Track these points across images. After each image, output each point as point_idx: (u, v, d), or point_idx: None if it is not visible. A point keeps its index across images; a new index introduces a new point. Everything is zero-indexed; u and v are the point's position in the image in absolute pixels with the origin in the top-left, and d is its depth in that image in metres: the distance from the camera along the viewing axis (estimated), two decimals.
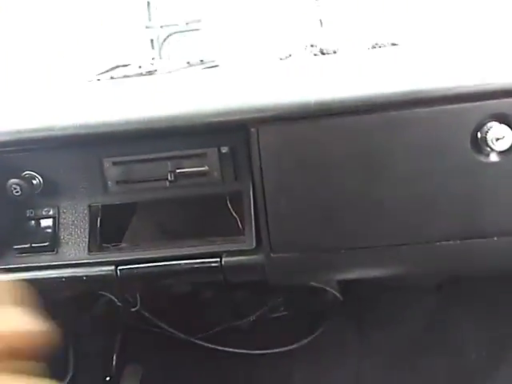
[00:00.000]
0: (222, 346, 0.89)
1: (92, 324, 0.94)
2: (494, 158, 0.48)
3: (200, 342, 0.90)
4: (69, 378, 1.00)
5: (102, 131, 0.56)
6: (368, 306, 0.98)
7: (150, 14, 2.38)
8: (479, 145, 0.48)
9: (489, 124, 0.47)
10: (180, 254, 0.56)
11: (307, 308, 0.93)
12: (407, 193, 0.50)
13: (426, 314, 0.99)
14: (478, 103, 0.47)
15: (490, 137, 0.46)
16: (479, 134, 0.47)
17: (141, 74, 0.73)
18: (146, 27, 2.36)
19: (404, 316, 0.99)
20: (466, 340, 0.93)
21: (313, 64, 0.58)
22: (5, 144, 0.56)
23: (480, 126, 0.47)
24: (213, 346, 0.89)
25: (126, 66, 0.81)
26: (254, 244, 0.54)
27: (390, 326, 0.96)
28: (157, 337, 0.94)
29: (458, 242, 0.51)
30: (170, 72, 0.72)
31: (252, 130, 0.49)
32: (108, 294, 0.75)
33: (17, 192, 0.56)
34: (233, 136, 0.56)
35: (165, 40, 2.35)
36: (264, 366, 0.90)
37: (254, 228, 0.55)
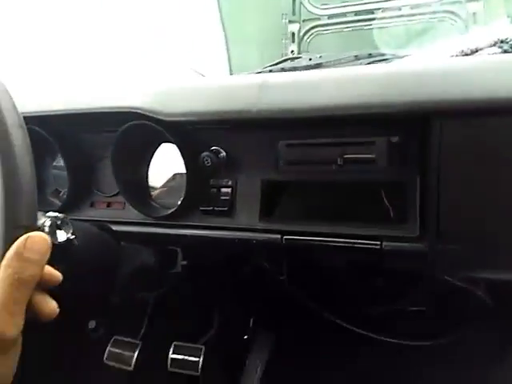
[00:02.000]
0: (355, 328, 0.92)
1: (238, 287, 1.06)
2: None
3: (335, 320, 0.94)
4: (209, 334, 1.15)
5: (281, 117, 0.62)
6: None
7: (294, 9, 2.44)
8: None
9: None
10: (342, 232, 0.60)
11: (449, 308, 0.90)
12: None
13: None
14: None
15: None
16: None
17: (309, 67, 0.78)
18: (290, 21, 2.43)
19: None
20: None
21: (501, 60, 0.55)
22: (201, 122, 0.67)
23: None
24: (347, 326, 0.93)
25: (296, 58, 0.87)
26: (418, 232, 0.56)
27: None
28: (294, 308, 1.01)
29: None
30: (337, 65, 0.75)
31: (435, 122, 0.49)
32: (262, 261, 0.84)
33: (207, 163, 0.67)
34: (404, 126, 0.57)
35: (305, 33, 2.39)
36: (396, 356, 0.90)
37: (419, 217, 0.56)
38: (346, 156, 0.60)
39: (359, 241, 0.59)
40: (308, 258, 0.72)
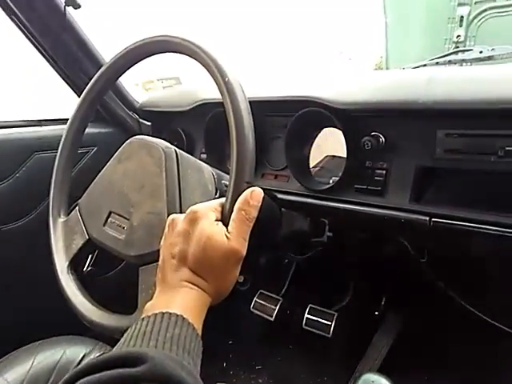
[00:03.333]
0: (491, 319, 0.91)
1: (377, 265, 1.14)
2: None
3: (472, 310, 0.95)
4: (343, 304, 1.25)
5: (446, 108, 0.68)
6: None
7: None
8: None
9: None
10: (492, 220, 0.64)
11: None
12: None
13: None
14: None
15: None
16: None
17: (479, 60, 0.80)
18: (459, 4, 2.27)
19: None
20: None
21: None
22: (369, 110, 0.77)
23: None
24: (483, 318, 0.93)
25: (467, 51, 0.89)
26: None
27: None
28: (428, 293, 1.05)
29: None
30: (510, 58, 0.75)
31: None
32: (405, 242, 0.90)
33: (367, 146, 0.77)
34: None
35: (475, 17, 2.20)
36: None
37: None
38: (507, 148, 0.63)
39: (509, 230, 0.62)
40: (452, 243, 0.77)
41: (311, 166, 0.95)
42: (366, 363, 1.16)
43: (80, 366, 0.30)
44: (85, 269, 0.82)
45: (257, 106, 0.95)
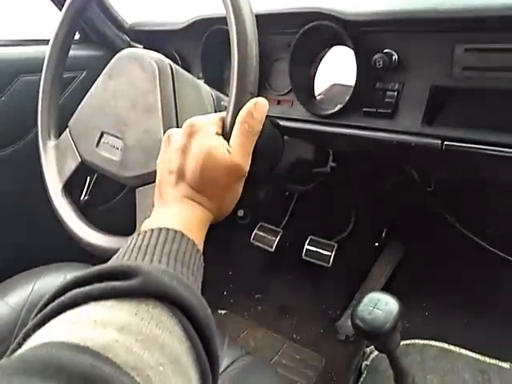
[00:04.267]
0: (492, 247, 0.92)
1: (380, 196, 1.13)
2: None
3: (473, 238, 0.95)
4: (343, 235, 1.25)
5: (460, 16, 0.61)
6: None
7: None
8: None
9: None
10: (507, 142, 0.60)
11: None
12: None
13: None
14: None
15: None
16: None
17: None
18: None
19: None
20: None
21: None
22: (373, 23, 0.70)
23: None
24: (485, 246, 0.93)
25: None
26: None
27: None
28: (432, 223, 1.04)
29: None
30: None
31: None
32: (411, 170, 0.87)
33: (379, 65, 0.70)
34: None
35: None
36: None
37: None
38: None
39: None
40: (465, 169, 0.74)
41: (317, 94, 0.89)
42: (366, 289, 1.19)
43: (67, 279, 0.28)
44: (82, 198, 0.79)
45: (258, 22, 0.88)
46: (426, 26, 0.66)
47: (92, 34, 1.04)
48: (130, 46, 1.09)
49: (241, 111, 0.45)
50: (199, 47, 0.94)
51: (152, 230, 0.36)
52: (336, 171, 1.06)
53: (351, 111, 0.77)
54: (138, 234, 0.36)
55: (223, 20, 0.50)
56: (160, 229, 0.36)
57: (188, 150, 0.43)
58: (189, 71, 1.04)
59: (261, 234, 1.33)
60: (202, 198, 0.43)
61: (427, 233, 1.11)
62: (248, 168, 0.45)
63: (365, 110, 0.75)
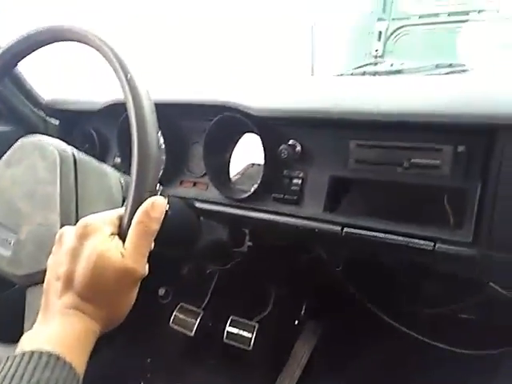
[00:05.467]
0: (402, 327, 0.96)
1: (296, 274, 1.14)
2: None
3: (383, 317, 0.98)
4: (264, 314, 1.24)
5: (353, 118, 0.70)
6: None
7: (384, 5, 2.39)
8: None
9: None
10: (399, 230, 0.66)
11: (499, 319, 0.90)
12: None
13: None
14: None
15: None
16: None
17: (390, 72, 0.84)
18: (378, 19, 2.40)
19: None
20: None
21: None
22: (282, 118, 0.77)
23: None
24: (395, 325, 0.97)
25: (378, 64, 0.93)
26: (471, 239, 0.60)
27: None
28: (345, 301, 1.07)
29: None
30: (417, 73, 0.80)
31: (499, 135, 0.54)
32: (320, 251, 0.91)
33: (284, 155, 0.76)
34: (471, 137, 0.61)
35: (393, 33, 2.35)
36: (441, 361, 0.93)
37: (474, 224, 0.59)
38: (412, 160, 0.66)
39: (414, 240, 0.64)
40: (364, 252, 0.79)
41: (234, 174, 0.92)
42: (287, 374, 1.16)
43: None
44: None
45: (173, 109, 0.92)
46: (322, 123, 0.74)
47: (4, 108, 1.01)
48: (46, 122, 1.07)
49: (137, 211, 0.44)
50: (116, 129, 0.95)
51: (23, 354, 0.33)
52: (253, 250, 1.07)
53: (261, 196, 0.80)
54: (7, 359, 0.33)
55: None
56: (32, 353, 0.33)
57: (79, 254, 0.41)
58: (107, 150, 1.05)
59: (180, 316, 1.26)
60: (90, 307, 0.40)
61: (343, 310, 1.14)
62: (145, 270, 0.44)
63: (274, 195, 0.79)
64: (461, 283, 0.79)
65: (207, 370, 1.25)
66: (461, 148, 0.62)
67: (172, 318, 1.26)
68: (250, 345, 1.15)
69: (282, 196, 0.77)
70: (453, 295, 0.93)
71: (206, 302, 1.27)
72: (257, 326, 1.18)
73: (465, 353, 0.91)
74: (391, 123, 0.66)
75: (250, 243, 1.04)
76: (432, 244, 0.63)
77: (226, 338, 1.19)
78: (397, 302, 1.03)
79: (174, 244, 0.87)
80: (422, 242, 0.64)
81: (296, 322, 1.22)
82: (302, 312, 1.20)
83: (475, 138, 0.60)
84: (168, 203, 0.70)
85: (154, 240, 0.46)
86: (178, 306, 1.28)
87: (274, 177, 0.79)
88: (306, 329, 1.22)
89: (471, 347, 0.90)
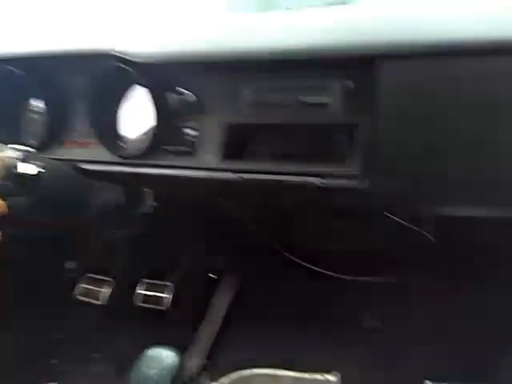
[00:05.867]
0: (314, 266, 1.01)
1: (206, 228, 1.13)
2: None
3: (290, 257, 1.03)
4: (178, 273, 1.22)
5: (239, 59, 0.66)
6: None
7: None
8: None
9: None
10: (288, 170, 0.66)
11: (395, 247, 0.98)
12: None
13: None
14: None
15: None
16: None
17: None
18: None
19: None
20: None
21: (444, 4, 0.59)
22: (171, 63, 0.70)
23: None
24: (309, 266, 1.02)
25: None
26: (358, 170, 0.61)
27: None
28: (257, 248, 1.09)
29: None
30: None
31: (377, 64, 0.55)
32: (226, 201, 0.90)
33: (174, 103, 0.71)
34: (358, 71, 0.61)
35: None
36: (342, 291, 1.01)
37: (362, 157, 0.61)
38: (303, 99, 0.65)
39: (302, 178, 0.64)
40: (266, 197, 0.79)
41: (141, 134, 0.84)
42: (206, 328, 1.17)
43: None
44: None
45: (49, 62, 0.80)
46: (211, 67, 0.70)
47: None
48: None
49: None
50: None
51: None
52: (160, 211, 1.03)
53: (154, 151, 0.75)
54: None
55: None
56: None
57: None
58: None
59: (89, 287, 1.19)
60: None
61: (255, 258, 1.16)
62: None
63: (167, 148, 0.74)
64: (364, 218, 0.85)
65: (125, 337, 1.21)
66: (349, 83, 0.62)
67: (78, 289, 1.19)
68: (165, 305, 1.13)
69: (175, 148, 0.73)
70: (360, 230, 0.98)
71: (114, 269, 1.21)
72: (172, 285, 1.16)
73: (371, 281, 1.00)
74: (280, 62, 0.64)
75: (154, 203, 1.00)
76: (320, 179, 0.63)
77: (140, 301, 1.16)
78: (311, 244, 1.07)
79: (64, 210, 0.79)
80: (310, 178, 0.64)
81: (212, 277, 1.22)
82: (218, 267, 1.21)
83: (361, 72, 0.60)
84: (43, 166, 0.62)
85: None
86: (84, 278, 1.20)
87: (166, 130, 0.74)
88: (224, 282, 1.24)
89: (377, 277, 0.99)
